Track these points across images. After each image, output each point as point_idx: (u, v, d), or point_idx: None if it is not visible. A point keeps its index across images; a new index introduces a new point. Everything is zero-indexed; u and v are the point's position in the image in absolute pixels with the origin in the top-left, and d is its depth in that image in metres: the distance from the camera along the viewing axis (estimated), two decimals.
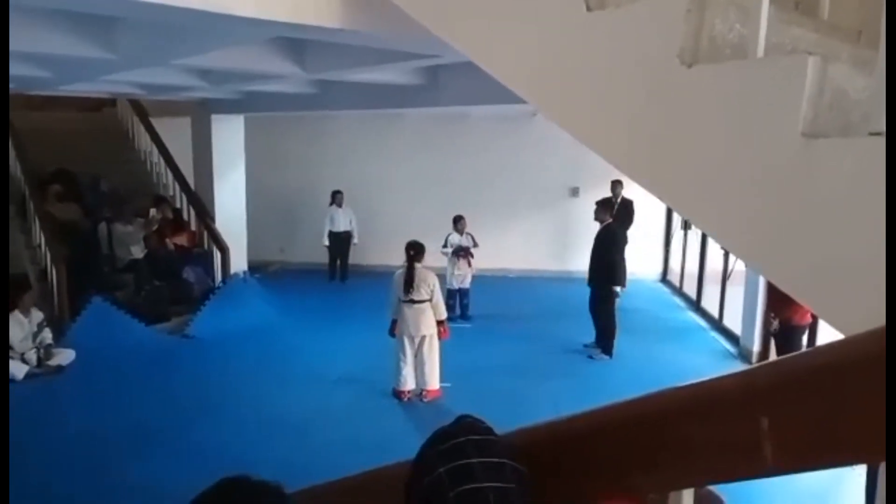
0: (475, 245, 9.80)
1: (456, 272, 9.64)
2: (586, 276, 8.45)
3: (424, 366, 6.73)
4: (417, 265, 6.65)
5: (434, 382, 6.78)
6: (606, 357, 8.04)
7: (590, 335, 8.36)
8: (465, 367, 7.25)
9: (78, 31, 4.39)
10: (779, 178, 1.19)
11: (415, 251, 6.66)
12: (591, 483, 1.22)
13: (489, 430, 1.12)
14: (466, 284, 9.76)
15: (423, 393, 6.75)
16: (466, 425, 1.12)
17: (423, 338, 6.68)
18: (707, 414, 1.04)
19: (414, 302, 6.62)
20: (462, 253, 9.62)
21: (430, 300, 6.64)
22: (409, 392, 6.77)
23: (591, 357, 8.09)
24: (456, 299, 9.62)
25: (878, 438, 0.78)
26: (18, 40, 3.90)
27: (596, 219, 8.33)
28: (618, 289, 8.03)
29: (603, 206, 8.29)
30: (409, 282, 6.57)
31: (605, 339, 8.11)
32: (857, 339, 0.87)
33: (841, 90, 1.16)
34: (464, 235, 9.78)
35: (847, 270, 1.07)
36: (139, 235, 9.64)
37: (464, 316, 9.57)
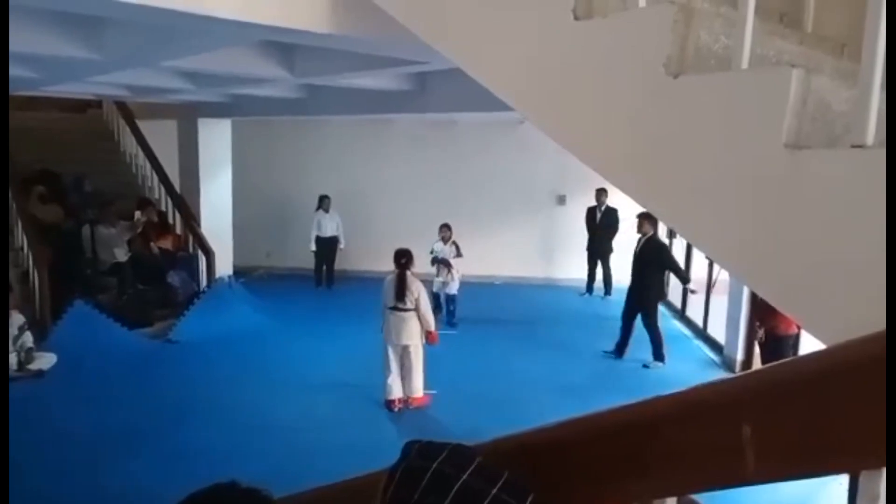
0: (458, 255, 9.73)
1: (438, 279, 9.65)
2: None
3: (410, 374, 6.68)
4: (408, 273, 6.60)
5: (418, 390, 6.74)
6: (660, 364, 8.10)
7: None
8: (451, 374, 7.25)
9: (64, 32, 4.36)
10: (762, 188, 1.20)
11: (406, 259, 6.61)
12: (574, 491, 1.22)
13: (442, 444, 1.07)
14: (452, 291, 9.74)
15: (409, 400, 6.72)
16: (422, 451, 1.06)
17: (407, 347, 6.63)
18: (692, 422, 1.04)
19: (398, 310, 6.57)
20: (443, 262, 9.62)
21: (415, 309, 6.57)
22: (398, 401, 6.72)
23: (646, 366, 8.11)
24: (443, 305, 9.62)
25: (875, 445, 0.79)
26: None
27: (639, 231, 8.31)
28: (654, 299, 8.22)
29: (646, 218, 8.07)
30: (401, 290, 6.51)
31: (656, 347, 8.19)
32: (852, 344, 0.88)
33: (824, 102, 1.17)
34: (448, 244, 9.74)
35: (830, 281, 1.08)
36: (123, 238, 9.55)
37: (450, 322, 9.56)
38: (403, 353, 6.66)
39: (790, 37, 1.62)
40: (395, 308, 6.57)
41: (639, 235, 8.36)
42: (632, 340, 8.39)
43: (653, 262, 8.22)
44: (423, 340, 6.70)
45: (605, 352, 8.47)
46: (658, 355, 8.17)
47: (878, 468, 0.85)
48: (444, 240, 9.73)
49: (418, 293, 6.55)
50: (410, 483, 1.02)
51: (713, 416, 1.01)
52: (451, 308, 9.75)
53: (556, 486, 1.23)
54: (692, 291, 8.38)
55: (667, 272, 8.79)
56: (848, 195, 1.04)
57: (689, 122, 1.35)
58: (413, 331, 6.59)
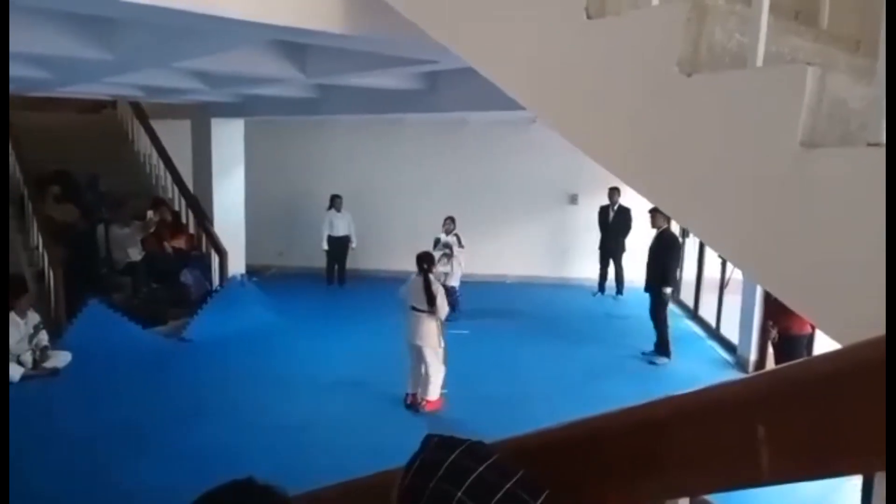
0: (460, 245, 9.95)
1: (440, 269, 9.70)
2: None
3: (425, 376, 6.64)
4: (431, 277, 6.67)
5: (432, 394, 6.67)
6: (665, 360, 8.12)
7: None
8: (462, 373, 7.24)
9: (77, 33, 4.39)
10: (777, 186, 1.19)
11: (428, 263, 6.71)
12: (587, 490, 1.21)
13: (462, 439, 1.09)
14: (452, 283, 9.82)
15: (422, 403, 6.66)
16: (443, 443, 1.08)
17: (421, 348, 6.61)
18: (705, 422, 1.04)
19: (416, 310, 6.60)
20: (446, 251, 9.79)
21: (433, 312, 6.53)
22: (409, 396, 6.75)
23: (652, 363, 8.13)
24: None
25: (878, 448, 0.78)
26: (17, 41, 3.90)
27: (653, 226, 8.36)
28: (668, 290, 8.17)
29: (658, 212, 8.13)
30: (429, 294, 6.50)
31: (661, 342, 8.22)
32: (855, 347, 0.87)
33: (840, 100, 1.16)
34: (450, 236, 9.97)
35: (844, 280, 1.07)
36: (136, 238, 9.62)
37: (454, 309, 9.67)
38: (419, 354, 6.65)
39: (805, 34, 1.61)
40: (414, 308, 6.63)
41: (654, 230, 8.40)
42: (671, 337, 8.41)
43: (663, 254, 8.23)
44: (442, 344, 6.68)
45: (644, 353, 8.36)
46: (663, 351, 8.18)
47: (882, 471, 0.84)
48: (448, 232, 10.02)
49: (437, 294, 6.57)
50: (427, 472, 1.04)
51: (727, 417, 1.01)
52: (452, 299, 9.81)
53: (569, 485, 1.23)
54: (665, 294, 8.23)
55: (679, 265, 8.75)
56: (863, 193, 1.03)
57: (703, 121, 1.34)
58: (427, 332, 6.58)
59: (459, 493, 0.99)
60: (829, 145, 1.12)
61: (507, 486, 1.00)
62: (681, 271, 10.04)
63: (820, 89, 1.14)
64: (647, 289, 8.49)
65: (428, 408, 6.65)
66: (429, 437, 1.10)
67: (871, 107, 1.05)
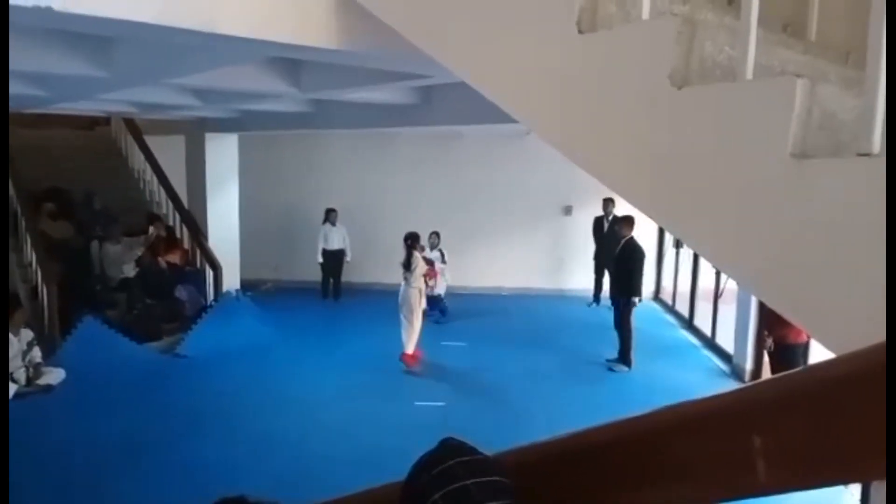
0: (443, 261, 10.38)
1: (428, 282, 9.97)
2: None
3: (405, 333, 7.98)
4: (414, 252, 8.01)
5: (408, 347, 7.96)
6: (626, 368, 8.20)
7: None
8: (458, 385, 7.24)
9: (73, 50, 4.40)
10: (769, 198, 1.20)
11: (411, 240, 8.15)
12: (585, 502, 1.21)
13: (474, 450, 1.12)
14: (438, 291, 10.21)
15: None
16: (452, 448, 1.11)
17: (402, 310, 7.95)
18: (702, 432, 1.04)
19: (405, 280, 8.03)
20: (429, 262, 9.94)
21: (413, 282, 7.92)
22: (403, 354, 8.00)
23: (611, 370, 8.24)
24: (433, 306, 10.14)
25: (878, 455, 0.78)
26: (13, 59, 3.91)
27: (619, 234, 8.57)
28: (635, 299, 8.22)
29: (624, 222, 8.44)
30: (407, 266, 7.97)
31: (623, 351, 8.30)
32: (854, 356, 0.87)
33: (829, 111, 1.17)
34: (434, 251, 10.29)
35: (837, 289, 1.08)
36: (131, 254, 9.59)
37: (441, 316, 10.23)
38: (403, 316, 7.95)
39: (794, 46, 1.63)
40: (405, 279, 8.01)
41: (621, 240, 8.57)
42: (634, 345, 8.41)
43: (629, 264, 8.33)
44: (419, 310, 8.05)
45: (607, 360, 8.45)
46: (625, 359, 8.25)
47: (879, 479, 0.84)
48: (432, 246, 10.32)
49: (416, 265, 7.97)
50: (424, 470, 1.08)
51: (723, 427, 1.01)
52: (440, 307, 10.23)
53: (567, 496, 1.23)
54: (632, 304, 8.25)
55: (644, 273, 8.79)
56: (854, 203, 1.04)
57: (695, 133, 1.35)
58: (406, 297, 7.98)
59: (436, 496, 1.03)
60: (820, 156, 1.13)
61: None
62: (675, 281, 10.06)
63: (809, 101, 1.15)
64: (612, 298, 8.67)
65: (403, 359, 7.87)
66: (446, 439, 1.14)
67: (862, 117, 1.06)
